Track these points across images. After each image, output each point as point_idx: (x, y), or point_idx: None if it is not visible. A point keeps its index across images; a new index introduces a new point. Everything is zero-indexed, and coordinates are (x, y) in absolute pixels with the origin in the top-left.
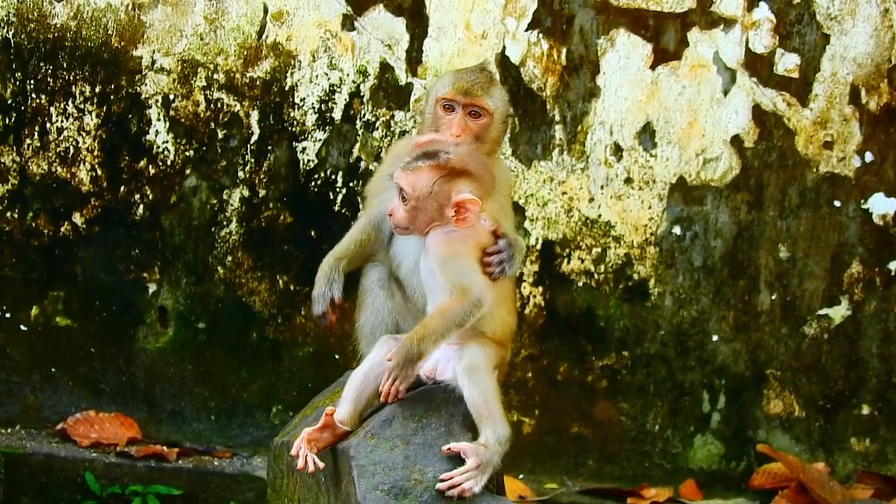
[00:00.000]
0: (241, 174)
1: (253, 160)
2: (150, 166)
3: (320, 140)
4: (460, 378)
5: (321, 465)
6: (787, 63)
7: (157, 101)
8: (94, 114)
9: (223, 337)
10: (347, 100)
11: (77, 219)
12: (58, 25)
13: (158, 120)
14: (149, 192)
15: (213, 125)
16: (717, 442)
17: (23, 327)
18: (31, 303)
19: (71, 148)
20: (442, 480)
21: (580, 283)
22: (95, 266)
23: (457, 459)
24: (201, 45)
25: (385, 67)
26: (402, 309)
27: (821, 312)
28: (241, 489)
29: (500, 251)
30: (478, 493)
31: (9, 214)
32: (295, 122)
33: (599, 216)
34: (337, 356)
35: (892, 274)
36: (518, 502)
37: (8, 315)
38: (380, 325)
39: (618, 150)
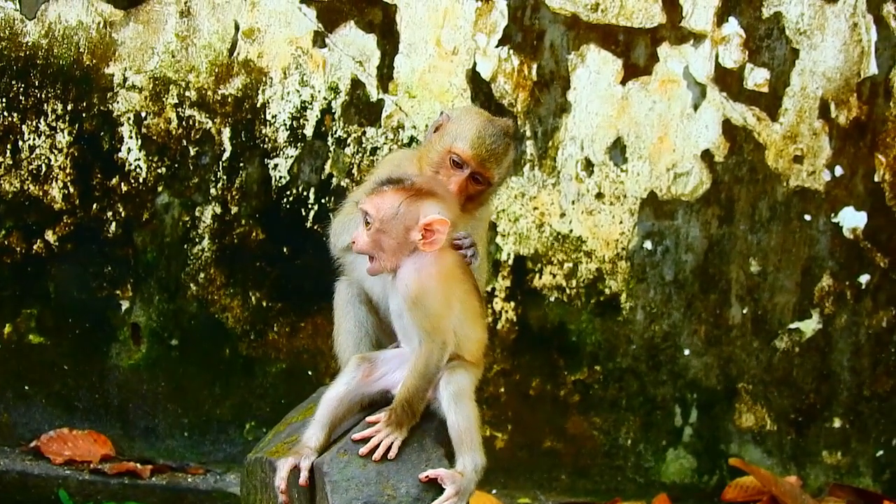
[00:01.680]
0: (213, 191)
1: (225, 177)
2: (123, 184)
3: (292, 157)
4: (446, 403)
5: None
6: (757, 78)
7: (128, 118)
8: (66, 131)
9: (196, 354)
10: (319, 116)
11: (49, 236)
12: (29, 43)
13: (130, 137)
14: (121, 210)
15: (184, 142)
16: (690, 456)
17: None
18: (3, 320)
19: (43, 166)
20: None
21: (552, 298)
22: (68, 283)
23: (432, 480)
24: (173, 63)
25: (356, 84)
26: (379, 325)
27: (792, 326)
28: None
29: (463, 239)
30: None
31: None
32: (267, 139)
33: (571, 231)
34: (310, 372)
35: (863, 287)
36: None
37: None
38: (364, 339)
39: (589, 166)
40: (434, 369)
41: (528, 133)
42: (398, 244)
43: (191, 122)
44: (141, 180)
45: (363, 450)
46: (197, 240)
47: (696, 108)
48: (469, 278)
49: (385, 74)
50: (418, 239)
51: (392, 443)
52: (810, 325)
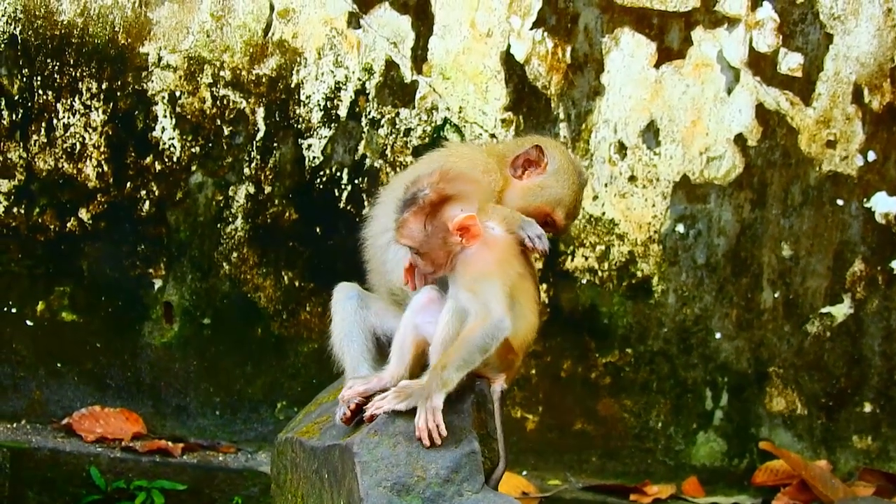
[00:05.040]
0: (246, 171)
1: (258, 157)
2: (156, 163)
3: (326, 137)
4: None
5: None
6: (791, 62)
7: (163, 97)
8: (100, 110)
9: (228, 333)
10: (353, 97)
11: (83, 214)
12: (65, 22)
13: (165, 116)
14: (155, 189)
15: (219, 122)
16: (720, 439)
17: (29, 322)
18: (37, 298)
19: (77, 144)
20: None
21: (584, 281)
22: (101, 262)
23: (461, 458)
24: (207, 42)
25: (390, 65)
26: (384, 313)
27: (823, 310)
28: (246, 484)
29: (529, 235)
30: (479, 490)
31: (15, 210)
32: (300, 120)
33: (603, 214)
34: None
35: (895, 272)
36: (521, 498)
37: (14, 310)
38: (351, 329)
39: (622, 149)
40: (482, 341)
41: (562, 116)
42: (447, 252)
43: (225, 102)
44: (175, 159)
45: (419, 432)
46: (230, 219)
47: (729, 92)
48: (522, 261)
49: (419, 56)
50: (459, 241)
51: (436, 425)
52: (842, 310)
